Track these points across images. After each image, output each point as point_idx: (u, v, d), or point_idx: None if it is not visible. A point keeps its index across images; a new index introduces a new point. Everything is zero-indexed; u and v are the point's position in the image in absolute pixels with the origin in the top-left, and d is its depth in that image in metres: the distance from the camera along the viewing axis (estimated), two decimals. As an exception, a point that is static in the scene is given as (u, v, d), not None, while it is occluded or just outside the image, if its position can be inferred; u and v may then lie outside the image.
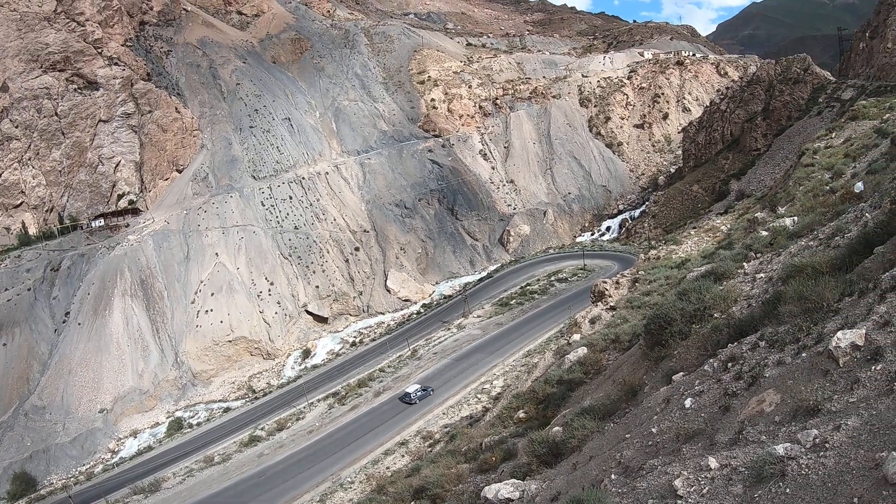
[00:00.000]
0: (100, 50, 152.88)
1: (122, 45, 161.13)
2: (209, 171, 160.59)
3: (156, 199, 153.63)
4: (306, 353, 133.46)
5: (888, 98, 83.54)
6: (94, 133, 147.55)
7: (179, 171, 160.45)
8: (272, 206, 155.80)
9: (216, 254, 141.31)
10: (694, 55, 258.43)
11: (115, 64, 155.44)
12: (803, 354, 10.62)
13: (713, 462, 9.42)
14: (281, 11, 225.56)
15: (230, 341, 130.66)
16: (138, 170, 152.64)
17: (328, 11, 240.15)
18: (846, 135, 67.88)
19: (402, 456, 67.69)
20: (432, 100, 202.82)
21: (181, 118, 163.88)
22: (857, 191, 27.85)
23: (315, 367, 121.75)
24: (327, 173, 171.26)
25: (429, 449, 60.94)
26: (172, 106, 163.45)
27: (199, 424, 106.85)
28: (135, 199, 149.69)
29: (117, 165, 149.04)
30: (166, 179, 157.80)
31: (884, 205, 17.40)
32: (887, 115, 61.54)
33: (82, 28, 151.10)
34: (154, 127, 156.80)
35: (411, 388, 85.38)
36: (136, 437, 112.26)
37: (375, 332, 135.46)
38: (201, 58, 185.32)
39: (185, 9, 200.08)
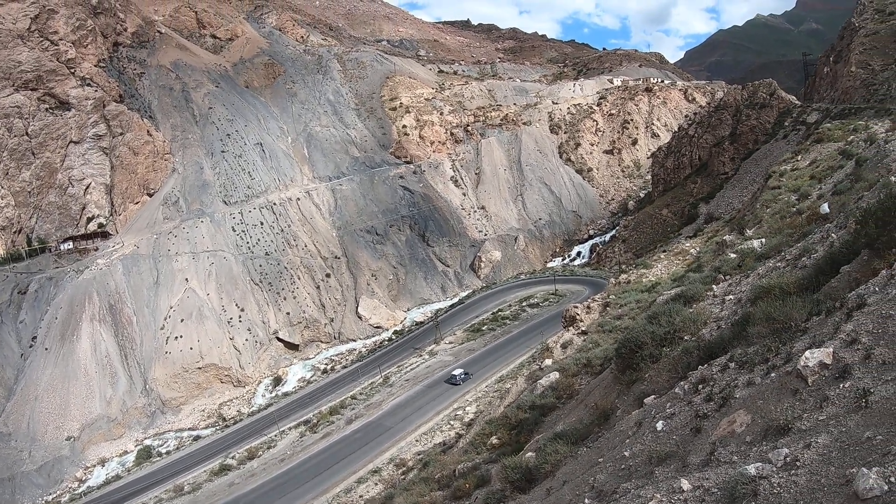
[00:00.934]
0: (73, 70, 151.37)
1: (95, 66, 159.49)
2: (180, 195, 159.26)
3: (126, 222, 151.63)
4: (277, 381, 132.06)
5: (852, 121, 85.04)
6: (64, 154, 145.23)
7: (150, 195, 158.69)
8: (243, 231, 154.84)
9: (186, 279, 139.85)
10: (662, 81, 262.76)
11: (88, 84, 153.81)
12: (772, 374, 10.75)
13: (686, 484, 9.46)
14: (255, 36, 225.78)
15: (200, 368, 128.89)
16: (108, 192, 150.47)
17: (302, 37, 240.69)
18: (812, 157, 68.97)
19: (376, 484, 67.10)
20: (404, 126, 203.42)
21: (153, 141, 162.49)
22: (823, 212, 28.26)
23: (286, 394, 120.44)
24: (299, 199, 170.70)
25: (402, 476, 60.43)
26: (144, 129, 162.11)
27: (168, 453, 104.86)
28: (104, 223, 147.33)
29: (87, 188, 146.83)
30: (137, 203, 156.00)
31: (849, 225, 17.74)
32: (852, 137, 62.68)
33: (56, 47, 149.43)
34: (125, 149, 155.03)
35: (457, 371, 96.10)
36: (104, 466, 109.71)
37: (347, 360, 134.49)
38: (174, 81, 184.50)
39: (159, 31, 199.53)
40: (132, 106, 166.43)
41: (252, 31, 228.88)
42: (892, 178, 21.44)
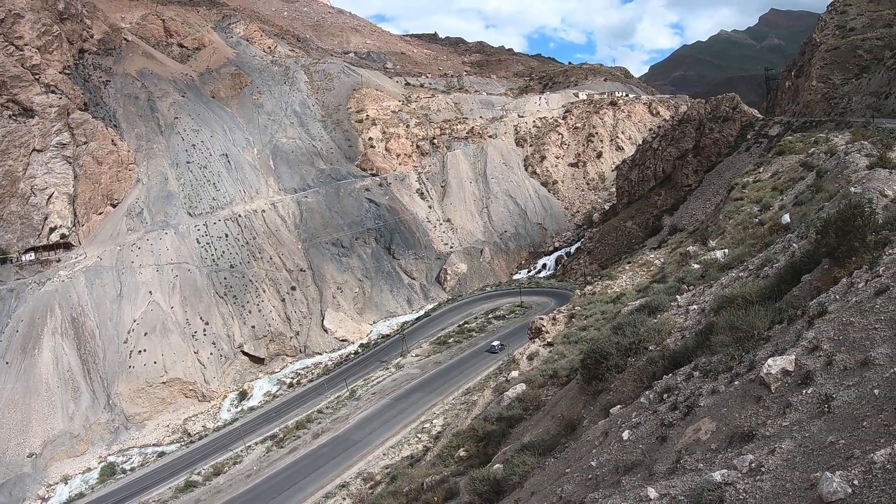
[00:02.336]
0: (37, 76, 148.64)
1: (60, 73, 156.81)
2: (144, 206, 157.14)
3: (89, 233, 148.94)
4: (243, 395, 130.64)
5: (813, 133, 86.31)
6: (27, 162, 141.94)
7: (114, 206, 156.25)
8: (208, 243, 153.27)
9: (150, 292, 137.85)
10: (627, 96, 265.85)
11: (52, 92, 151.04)
12: (736, 382, 10.84)
13: (653, 492, 9.48)
14: (222, 46, 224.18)
15: (164, 383, 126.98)
16: (72, 202, 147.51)
17: (269, 47, 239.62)
18: (773, 169, 69.84)
19: (344, 499, 66.67)
20: (370, 139, 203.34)
21: (117, 151, 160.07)
22: (785, 222, 28.64)
23: (252, 409, 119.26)
24: (264, 211, 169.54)
25: (370, 491, 60.10)
26: (109, 138, 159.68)
27: (132, 470, 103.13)
28: (67, 233, 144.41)
29: (50, 197, 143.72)
30: (100, 213, 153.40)
31: (810, 235, 17.99)
32: (812, 149, 63.55)
33: (20, 52, 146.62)
34: (89, 159, 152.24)
35: (496, 342, 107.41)
36: (67, 483, 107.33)
37: (313, 373, 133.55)
38: (140, 89, 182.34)
39: (125, 38, 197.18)
40: (97, 114, 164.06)
41: (219, 40, 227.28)
42: (852, 189, 21.83)
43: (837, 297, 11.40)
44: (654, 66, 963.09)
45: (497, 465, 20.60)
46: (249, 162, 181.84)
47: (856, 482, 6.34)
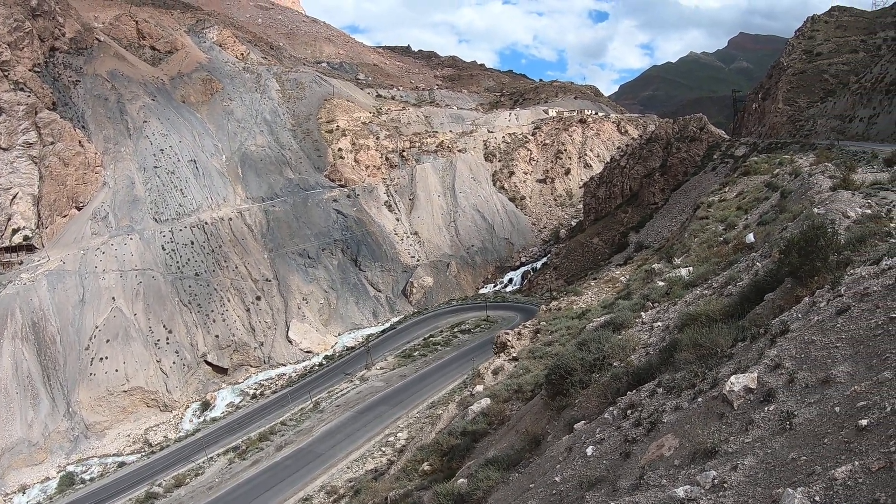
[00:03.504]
0: (6, 73, 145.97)
1: (29, 70, 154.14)
2: (110, 210, 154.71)
3: (53, 236, 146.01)
4: (205, 406, 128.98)
5: (778, 154, 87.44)
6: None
7: (79, 209, 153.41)
8: (173, 250, 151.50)
9: (113, 298, 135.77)
10: (596, 114, 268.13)
11: (21, 89, 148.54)
12: (699, 399, 10.90)
13: (616, 507, 9.52)
14: (194, 50, 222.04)
15: (126, 391, 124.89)
16: (36, 204, 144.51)
17: (242, 54, 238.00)
18: (739, 189, 70.67)
19: (306, 512, 66.02)
20: (340, 149, 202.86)
21: (84, 153, 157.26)
22: (749, 241, 28.93)
23: (214, 419, 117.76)
24: (231, 219, 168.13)
25: None
26: (76, 139, 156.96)
27: (92, 480, 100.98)
28: (30, 235, 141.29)
29: (14, 197, 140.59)
30: (65, 216, 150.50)
31: (773, 254, 18.23)
32: (777, 170, 64.36)
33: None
34: (56, 160, 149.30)
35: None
36: (24, 493, 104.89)
37: (277, 384, 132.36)
38: (110, 91, 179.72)
39: (98, 38, 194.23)
40: (65, 115, 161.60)
41: (192, 45, 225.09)
42: (816, 210, 22.18)
43: (800, 315, 11.53)
44: (624, 85, 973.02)
45: (461, 480, 20.50)
46: (217, 169, 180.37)
47: (817, 498, 6.40)
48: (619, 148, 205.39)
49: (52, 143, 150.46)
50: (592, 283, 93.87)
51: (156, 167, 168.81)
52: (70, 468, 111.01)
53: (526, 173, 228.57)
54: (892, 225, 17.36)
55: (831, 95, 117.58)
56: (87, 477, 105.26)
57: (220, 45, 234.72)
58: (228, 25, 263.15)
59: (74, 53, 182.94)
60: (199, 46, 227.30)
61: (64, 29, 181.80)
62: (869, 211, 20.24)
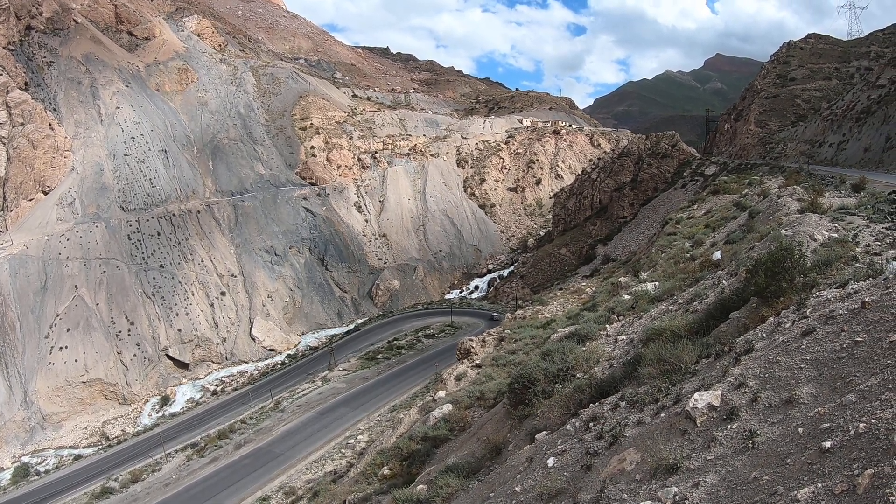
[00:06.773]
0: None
1: (3, 48, 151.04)
2: (76, 196, 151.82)
3: (17, 220, 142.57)
4: (165, 400, 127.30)
5: (748, 175, 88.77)
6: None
7: (45, 193, 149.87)
8: (139, 240, 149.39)
9: (76, 286, 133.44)
10: (570, 126, 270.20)
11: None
12: (662, 415, 10.95)
13: (576, 519, 9.50)
14: (172, 39, 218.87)
15: (84, 382, 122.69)
16: (2, 186, 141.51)
17: (220, 45, 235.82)
18: (707, 207, 71.42)
19: (264, 512, 65.51)
20: (312, 147, 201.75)
21: (54, 136, 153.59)
22: (716, 259, 29.26)
23: (174, 415, 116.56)
24: (199, 212, 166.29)
25: (290, 504, 59.24)
26: (47, 122, 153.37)
27: (47, 472, 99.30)
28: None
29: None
30: (31, 200, 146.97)
31: (740, 273, 18.41)
32: (746, 190, 65.23)
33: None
34: (24, 141, 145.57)
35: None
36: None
37: (238, 382, 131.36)
38: (84, 74, 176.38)
39: (75, 20, 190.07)
40: (37, 96, 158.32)
41: (170, 33, 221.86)
42: (783, 232, 22.43)
43: (764, 335, 11.63)
44: (599, 99, 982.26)
45: (421, 486, 20.43)
46: (188, 160, 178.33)
47: (779, 519, 6.42)
48: (591, 161, 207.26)
49: (21, 125, 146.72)
50: (558, 294, 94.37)
51: (126, 155, 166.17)
52: (25, 459, 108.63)
53: (497, 181, 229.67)
54: (858, 249, 17.62)
55: (803, 120, 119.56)
56: (43, 469, 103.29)
57: (199, 35, 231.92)
58: (208, 15, 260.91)
59: (50, 34, 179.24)
60: (178, 35, 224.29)
61: (41, 7, 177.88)
62: (836, 235, 20.54)
